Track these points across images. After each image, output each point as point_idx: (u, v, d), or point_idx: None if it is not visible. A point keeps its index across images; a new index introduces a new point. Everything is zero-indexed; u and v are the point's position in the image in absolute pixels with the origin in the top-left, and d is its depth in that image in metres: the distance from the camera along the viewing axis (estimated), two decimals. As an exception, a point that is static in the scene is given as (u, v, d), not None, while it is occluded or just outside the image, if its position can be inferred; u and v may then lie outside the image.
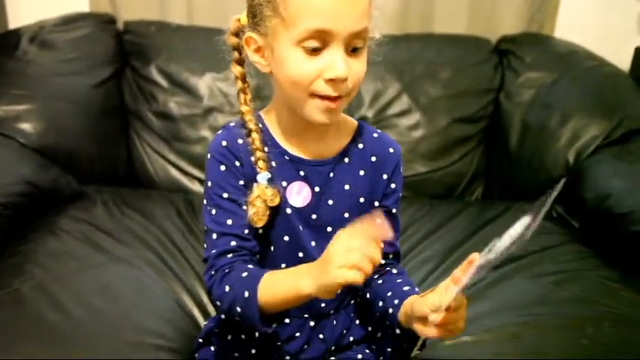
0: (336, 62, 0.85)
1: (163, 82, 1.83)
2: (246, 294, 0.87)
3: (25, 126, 1.57)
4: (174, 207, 1.62)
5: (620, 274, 1.40)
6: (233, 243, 0.95)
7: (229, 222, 0.95)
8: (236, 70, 0.98)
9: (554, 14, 2.13)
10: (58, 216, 1.47)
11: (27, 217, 1.43)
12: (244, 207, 0.95)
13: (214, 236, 0.96)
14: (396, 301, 0.94)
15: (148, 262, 1.38)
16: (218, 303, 0.93)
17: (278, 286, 0.86)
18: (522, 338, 1.21)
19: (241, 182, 0.96)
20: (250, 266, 0.93)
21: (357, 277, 0.75)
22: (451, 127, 1.87)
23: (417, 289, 0.98)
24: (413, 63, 1.89)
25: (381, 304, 0.97)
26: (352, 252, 0.76)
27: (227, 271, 0.92)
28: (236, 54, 0.97)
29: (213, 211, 0.96)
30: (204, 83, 1.82)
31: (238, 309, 0.88)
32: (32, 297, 1.21)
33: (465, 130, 1.88)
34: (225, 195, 0.96)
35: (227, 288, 0.90)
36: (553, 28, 2.14)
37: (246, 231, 0.95)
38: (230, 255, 0.94)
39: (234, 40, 0.96)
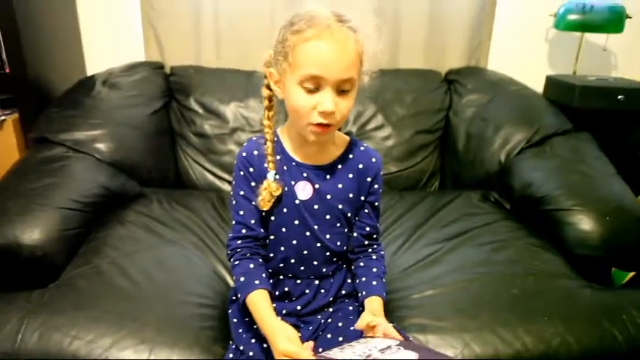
0: (325, 100, 0.88)
1: (200, 110, 1.83)
2: (239, 295, 0.98)
3: (100, 146, 1.57)
4: (211, 202, 1.62)
5: (541, 241, 1.40)
6: (243, 231, 1.01)
7: (242, 212, 1.01)
8: (265, 92, 0.99)
9: (487, 53, 2.14)
10: (125, 211, 1.48)
11: (103, 212, 1.43)
12: (254, 203, 1.00)
13: (234, 222, 1.02)
14: (364, 292, 1.01)
15: (192, 243, 1.38)
16: None
17: (257, 314, 0.94)
18: (469, 290, 1.21)
19: (252, 184, 1.00)
20: (251, 265, 0.99)
21: None
22: (414, 137, 1.87)
23: (383, 280, 1.04)
24: (385, 90, 1.90)
25: (357, 281, 1.04)
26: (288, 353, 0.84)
27: (236, 263, 1.00)
28: (266, 80, 0.98)
29: (234, 202, 1.02)
30: (230, 110, 1.83)
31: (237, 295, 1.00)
32: (107, 270, 1.21)
33: (425, 139, 1.89)
34: (242, 193, 1.00)
35: (234, 278, 1.00)
36: (487, 63, 2.15)
37: (253, 221, 1.01)
38: (239, 241, 1.02)
39: (265, 69, 0.97)
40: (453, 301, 1.18)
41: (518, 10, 2.10)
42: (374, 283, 1.01)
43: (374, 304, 0.97)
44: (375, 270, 1.04)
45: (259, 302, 0.94)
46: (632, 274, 1.47)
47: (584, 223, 1.35)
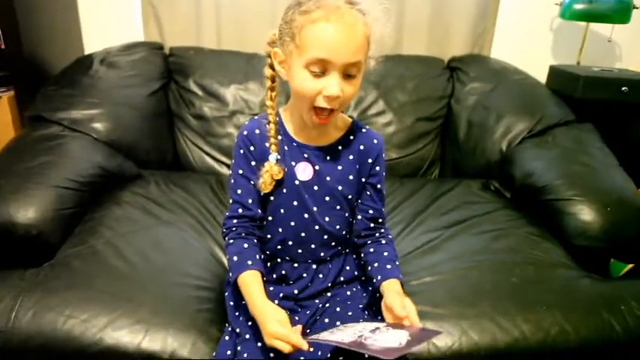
0: (331, 85, 0.86)
1: (199, 92, 1.81)
2: (231, 274, 0.96)
3: (97, 125, 1.55)
4: (209, 185, 1.60)
5: (540, 230, 1.39)
6: (240, 210, 0.99)
7: (239, 192, 0.99)
8: (267, 72, 0.97)
9: (491, 41, 2.11)
10: (121, 191, 1.46)
11: (99, 193, 1.41)
12: (252, 182, 0.98)
13: (231, 200, 1.01)
14: (379, 277, 0.97)
15: (189, 225, 1.37)
16: None
17: (248, 295, 0.92)
18: (468, 278, 1.21)
19: (253, 163, 0.98)
20: (245, 245, 0.97)
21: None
22: (415, 124, 1.85)
23: (397, 263, 1.01)
24: (387, 77, 1.88)
25: (369, 268, 1.00)
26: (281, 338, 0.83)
27: (230, 242, 0.99)
28: (269, 60, 0.96)
29: (232, 181, 1.00)
30: (229, 92, 1.80)
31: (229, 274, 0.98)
32: (103, 250, 1.20)
33: (426, 127, 1.87)
34: (240, 172, 0.99)
35: (227, 257, 0.98)
36: (490, 51, 2.12)
37: (250, 201, 0.99)
38: (235, 221, 1.00)
39: (268, 48, 0.95)
40: (452, 289, 1.17)
41: (523, -2, 2.08)
42: (388, 266, 0.98)
43: (394, 286, 0.94)
44: (386, 254, 1.01)
45: (250, 283, 0.93)
46: (630, 266, 1.47)
47: (585, 213, 1.34)
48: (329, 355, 0.93)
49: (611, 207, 1.34)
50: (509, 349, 1.07)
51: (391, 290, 0.93)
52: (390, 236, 1.07)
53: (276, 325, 0.84)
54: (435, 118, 1.88)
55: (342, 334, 0.83)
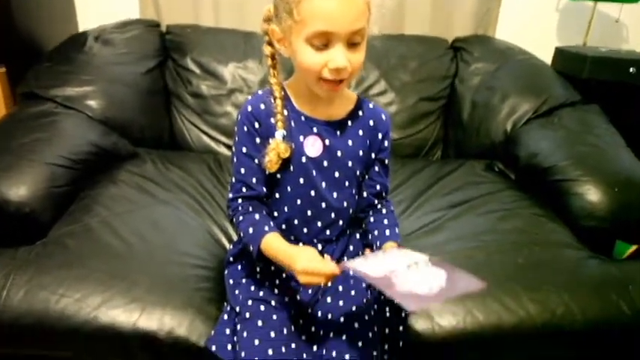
0: (337, 57, 0.83)
1: (197, 70, 1.77)
2: (251, 247, 0.91)
3: (91, 102, 1.51)
4: (206, 164, 1.57)
5: (546, 211, 1.37)
6: (244, 189, 0.95)
7: (242, 171, 0.95)
8: (267, 50, 0.94)
9: (496, 21, 2.07)
10: (117, 170, 1.42)
11: (94, 171, 1.37)
12: (256, 161, 0.94)
13: (233, 180, 0.96)
14: (378, 243, 0.96)
15: (187, 204, 1.34)
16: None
17: (275, 252, 0.89)
18: (474, 258, 1.18)
19: (257, 140, 0.94)
20: (257, 216, 0.93)
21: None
22: (418, 104, 1.81)
23: (396, 230, 1.00)
24: (388, 56, 1.84)
25: (370, 237, 0.99)
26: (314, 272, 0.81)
27: (241, 218, 0.94)
28: (267, 37, 0.92)
29: (235, 160, 0.96)
30: (227, 71, 1.76)
31: (249, 249, 0.91)
32: (97, 228, 1.17)
33: (429, 107, 1.83)
34: (244, 150, 0.95)
35: (242, 234, 0.94)
36: (494, 32, 2.08)
37: (254, 180, 0.94)
38: (240, 200, 0.95)
39: (265, 26, 0.92)
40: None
41: (529, -23, 2.04)
42: (387, 232, 0.98)
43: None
44: (386, 221, 1.00)
45: (274, 242, 0.90)
46: (634, 247, 1.45)
47: (592, 194, 1.32)
48: (342, 320, 0.91)
49: (618, 187, 1.32)
50: (515, 329, 1.05)
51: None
52: (392, 208, 1.05)
53: (306, 261, 0.82)
54: (437, 99, 1.85)
55: (375, 264, 0.78)
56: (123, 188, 1.34)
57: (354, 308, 0.94)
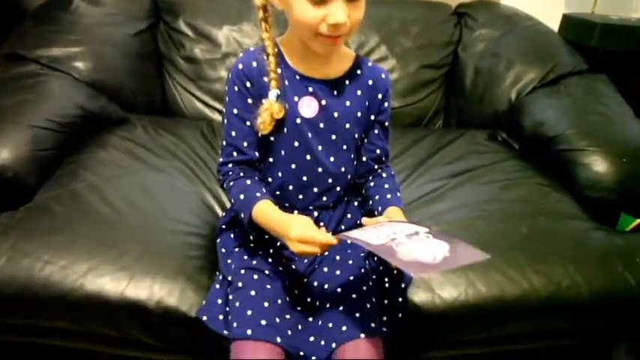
0: (336, 11, 0.77)
1: (190, 33, 1.69)
2: (242, 215, 0.87)
3: (78, 64, 1.44)
4: (199, 130, 1.51)
5: (550, 181, 1.32)
6: (234, 154, 0.90)
7: (233, 134, 0.89)
8: (258, 1, 0.87)
9: (501, -13, 2.00)
10: (106, 135, 1.36)
11: (82, 135, 1.31)
12: (248, 123, 0.88)
13: (224, 143, 0.91)
14: (380, 208, 0.91)
15: (179, 170, 1.28)
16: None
17: (267, 219, 0.85)
18: (475, 228, 1.14)
19: (249, 101, 0.88)
20: (248, 182, 0.88)
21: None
22: (419, 71, 1.75)
23: (398, 194, 0.95)
24: (390, 21, 1.76)
25: (370, 202, 0.94)
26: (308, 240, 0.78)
27: (231, 184, 0.89)
28: None
29: (225, 122, 0.90)
30: (222, 34, 1.68)
31: (240, 216, 0.87)
32: (85, 194, 1.12)
33: (430, 74, 1.76)
34: (235, 111, 0.89)
35: (232, 200, 0.90)
36: (500, -2, 2.01)
37: (245, 144, 0.89)
38: (230, 165, 0.91)
39: None
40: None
41: (537, -61, 1.94)
42: (388, 196, 0.93)
43: (393, 214, 0.88)
44: (387, 186, 0.96)
45: (266, 209, 0.85)
46: (638, 220, 1.41)
47: (599, 164, 1.28)
48: (339, 290, 0.87)
49: (626, 158, 1.28)
50: (518, 301, 1.01)
51: (390, 215, 0.87)
52: (393, 172, 1.00)
53: (299, 228, 0.79)
54: (440, 66, 1.78)
55: (374, 234, 0.74)
56: (112, 153, 1.28)
57: (351, 278, 0.90)
